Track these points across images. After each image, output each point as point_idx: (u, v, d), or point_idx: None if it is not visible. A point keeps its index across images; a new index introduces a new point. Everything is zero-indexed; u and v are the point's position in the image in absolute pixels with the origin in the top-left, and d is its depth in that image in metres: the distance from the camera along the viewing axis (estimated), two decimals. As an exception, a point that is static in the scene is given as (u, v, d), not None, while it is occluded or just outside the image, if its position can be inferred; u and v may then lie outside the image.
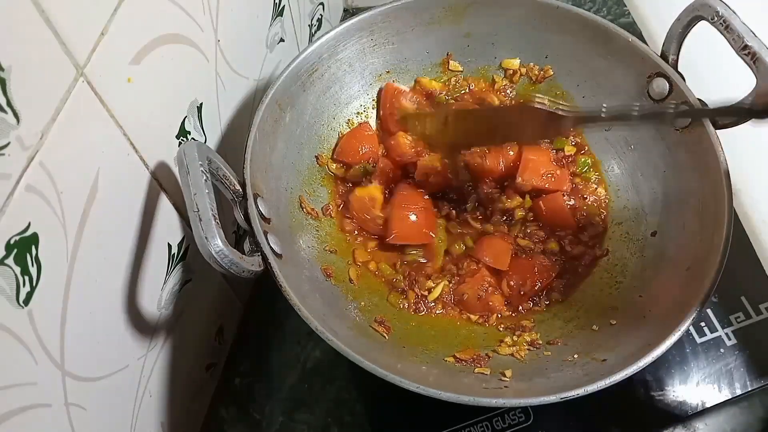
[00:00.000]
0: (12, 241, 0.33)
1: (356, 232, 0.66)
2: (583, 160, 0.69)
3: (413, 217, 0.64)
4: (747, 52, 0.54)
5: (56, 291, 0.38)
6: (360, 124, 0.71)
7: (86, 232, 0.40)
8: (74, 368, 0.41)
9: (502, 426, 0.60)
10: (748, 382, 0.61)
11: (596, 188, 0.68)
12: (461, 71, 0.73)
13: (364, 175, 0.67)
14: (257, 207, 0.52)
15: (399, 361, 0.54)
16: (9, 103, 0.31)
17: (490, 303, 0.61)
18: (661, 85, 0.62)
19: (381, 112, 0.71)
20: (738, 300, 0.66)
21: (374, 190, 0.66)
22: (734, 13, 0.56)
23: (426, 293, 0.62)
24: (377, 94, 0.72)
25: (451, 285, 0.63)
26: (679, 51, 0.62)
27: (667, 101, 0.61)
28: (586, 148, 0.70)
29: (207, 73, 0.54)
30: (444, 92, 0.73)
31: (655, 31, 0.87)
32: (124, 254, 0.46)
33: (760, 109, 0.52)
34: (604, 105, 0.56)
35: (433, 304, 0.62)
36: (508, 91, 0.73)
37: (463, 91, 0.73)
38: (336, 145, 0.69)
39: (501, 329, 0.61)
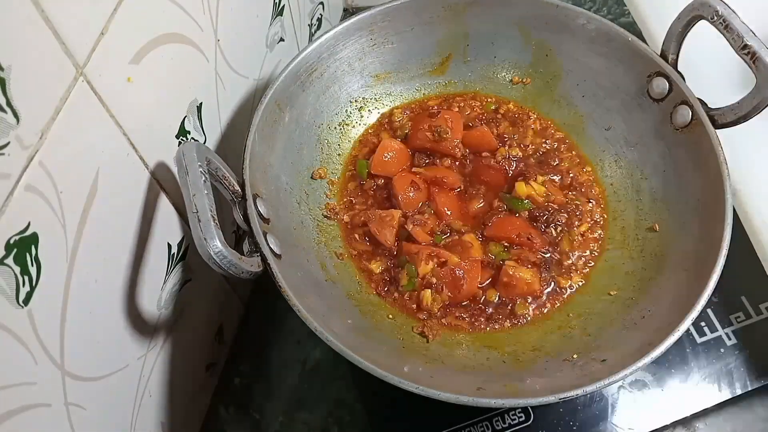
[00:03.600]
0: (12, 241, 0.33)
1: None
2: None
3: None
4: (747, 52, 0.55)
5: (56, 291, 0.38)
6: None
7: (86, 232, 0.40)
8: (74, 368, 0.41)
9: (502, 426, 0.60)
10: (748, 382, 0.61)
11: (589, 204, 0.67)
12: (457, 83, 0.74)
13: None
14: (256, 207, 0.52)
15: (399, 361, 0.54)
16: (9, 103, 0.31)
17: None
18: (660, 85, 0.62)
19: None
20: (738, 300, 0.66)
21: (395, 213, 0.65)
22: (734, 12, 0.56)
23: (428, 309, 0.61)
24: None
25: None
26: (678, 50, 0.62)
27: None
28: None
29: (207, 72, 0.54)
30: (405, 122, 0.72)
31: (655, 31, 0.86)
32: (124, 254, 0.46)
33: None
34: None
35: (438, 313, 0.61)
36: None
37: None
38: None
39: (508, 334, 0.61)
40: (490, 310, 0.61)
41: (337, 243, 0.65)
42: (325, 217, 0.66)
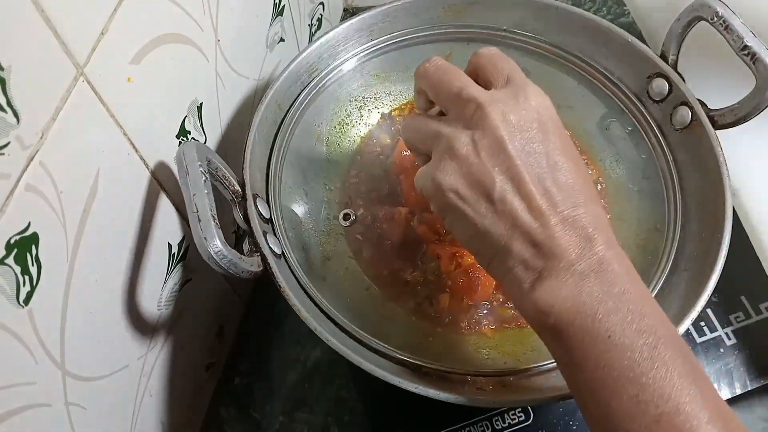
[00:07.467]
0: (12, 241, 0.33)
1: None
2: None
3: None
4: (746, 53, 0.54)
5: (56, 291, 0.38)
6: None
7: (86, 232, 0.40)
8: (74, 368, 0.41)
9: (502, 426, 0.60)
10: (748, 382, 0.61)
11: None
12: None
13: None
14: (256, 207, 0.52)
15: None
16: (9, 103, 0.31)
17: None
18: (660, 86, 0.62)
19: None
20: (738, 300, 0.66)
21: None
22: (734, 13, 0.56)
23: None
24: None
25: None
26: (678, 51, 0.62)
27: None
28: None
29: (207, 72, 0.54)
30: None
31: (655, 31, 0.87)
32: (124, 254, 0.46)
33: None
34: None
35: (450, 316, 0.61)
36: None
37: None
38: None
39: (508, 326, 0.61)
40: (487, 311, 0.61)
41: (337, 242, 0.65)
42: (329, 218, 0.66)
